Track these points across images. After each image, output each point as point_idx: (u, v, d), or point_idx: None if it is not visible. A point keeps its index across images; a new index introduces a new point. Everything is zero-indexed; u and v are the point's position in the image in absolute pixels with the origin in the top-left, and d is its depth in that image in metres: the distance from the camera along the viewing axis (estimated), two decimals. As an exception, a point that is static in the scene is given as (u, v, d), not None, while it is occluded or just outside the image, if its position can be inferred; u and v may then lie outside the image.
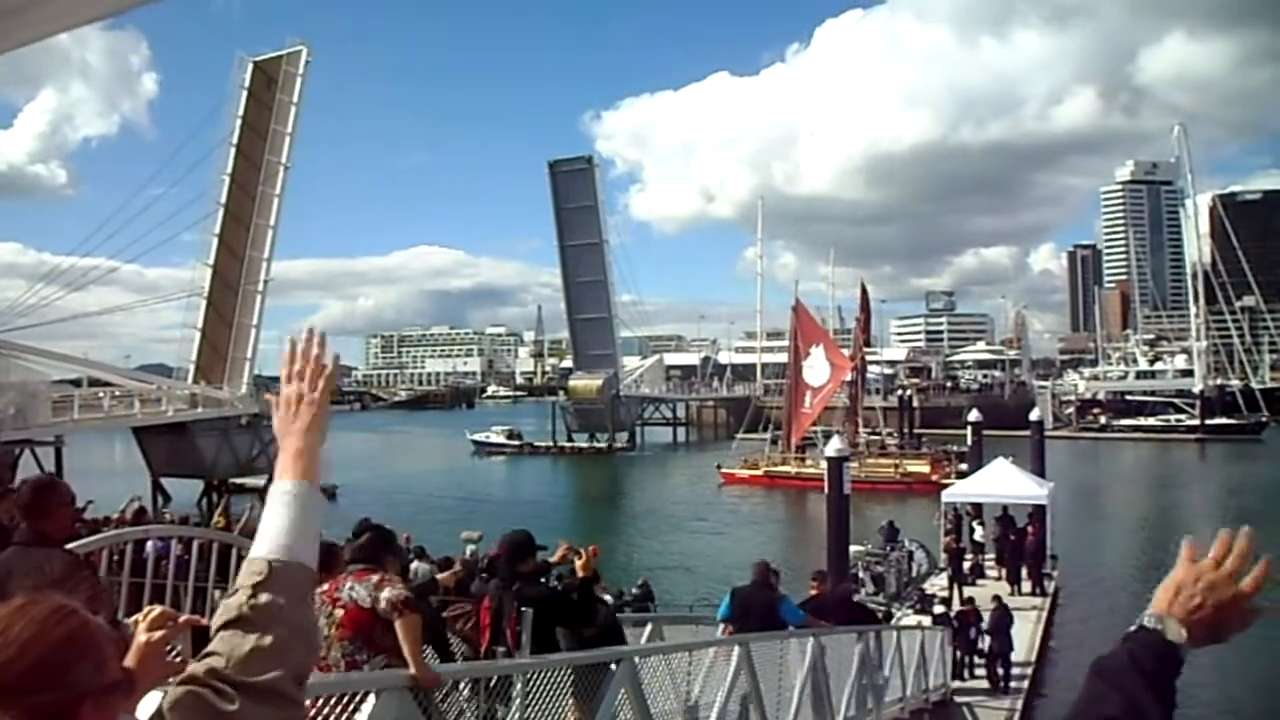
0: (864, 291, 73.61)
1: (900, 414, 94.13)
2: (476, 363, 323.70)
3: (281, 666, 1.68)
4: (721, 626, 12.15)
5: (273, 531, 1.86)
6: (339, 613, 5.39)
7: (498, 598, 7.48)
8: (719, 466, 70.92)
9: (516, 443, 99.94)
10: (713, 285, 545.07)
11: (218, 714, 1.62)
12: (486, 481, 78.25)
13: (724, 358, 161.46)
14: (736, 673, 9.42)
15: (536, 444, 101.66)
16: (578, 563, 7.96)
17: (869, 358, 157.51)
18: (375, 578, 5.54)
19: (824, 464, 61.94)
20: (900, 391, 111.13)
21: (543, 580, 7.76)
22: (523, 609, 7.19)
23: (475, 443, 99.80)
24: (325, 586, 5.50)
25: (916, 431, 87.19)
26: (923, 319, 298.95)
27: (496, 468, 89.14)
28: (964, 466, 61.23)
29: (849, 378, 68.73)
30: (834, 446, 30.07)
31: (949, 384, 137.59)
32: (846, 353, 71.14)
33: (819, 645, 12.00)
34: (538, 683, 6.14)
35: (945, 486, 58.06)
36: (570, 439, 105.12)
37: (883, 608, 24.47)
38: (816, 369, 67.43)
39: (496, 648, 7.22)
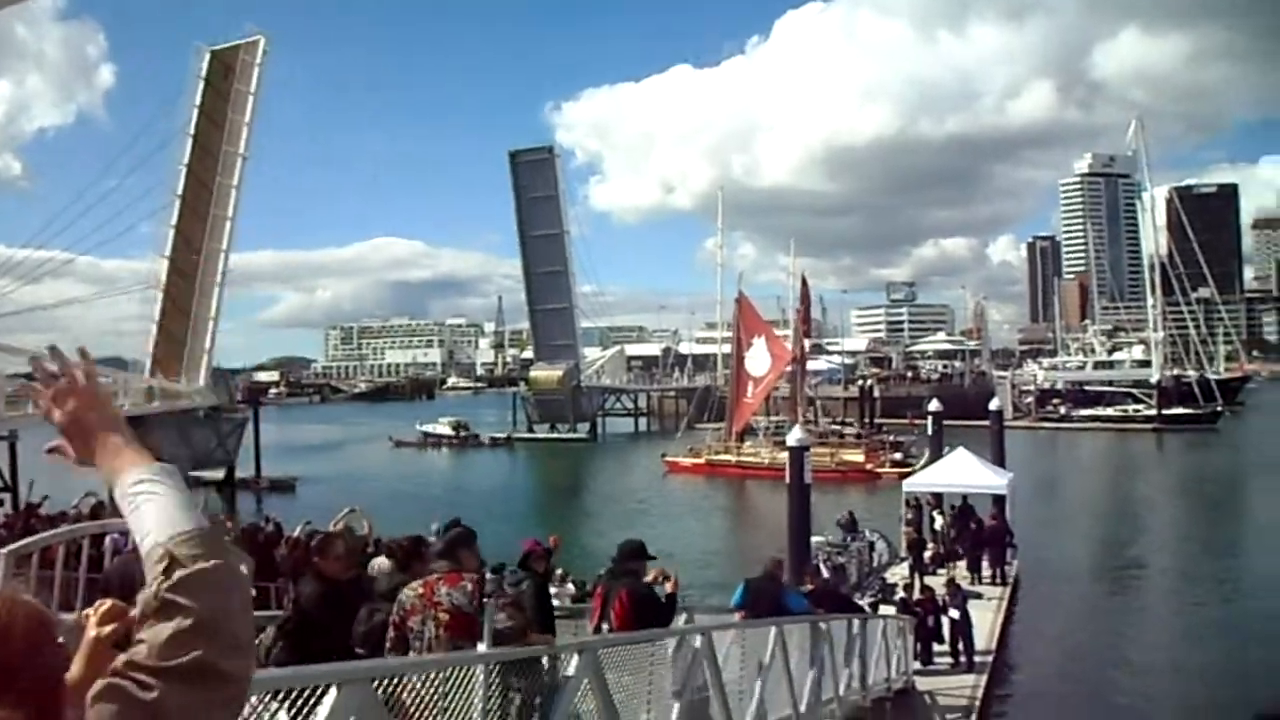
0: (804, 283, 74.94)
1: (861, 404, 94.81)
2: (437, 354, 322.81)
3: (207, 642, 1.59)
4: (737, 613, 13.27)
5: (153, 519, 1.75)
6: (444, 616, 5.92)
7: (607, 587, 9.34)
8: (664, 455, 72.13)
9: (462, 434, 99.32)
10: (673, 276, 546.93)
11: (137, 703, 1.54)
12: (443, 473, 78.37)
13: (685, 348, 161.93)
14: (694, 661, 9.50)
15: (484, 436, 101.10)
16: (667, 586, 9.86)
17: (830, 348, 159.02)
18: (469, 585, 6.16)
19: (764, 453, 64.01)
20: (861, 381, 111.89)
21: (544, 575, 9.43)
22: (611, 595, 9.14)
23: (424, 434, 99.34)
24: (421, 589, 6.07)
25: (877, 421, 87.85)
26: (883, 309, 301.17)
27: (442, 460, 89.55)
28: (898, 455, 63.16)
29: (790, 368, 69.95)
30: (795, 436, 30.16)
31: (910, 374, 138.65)
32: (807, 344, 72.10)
33: (807, 631, 12.85)
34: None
35: (880, 476, 60.36)
36: (531, 430, 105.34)
37: (870, 600, 24.64)
38: (758, 359, 69.03)
39: (602, 624, 9.08)
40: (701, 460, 69.67)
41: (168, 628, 1.60)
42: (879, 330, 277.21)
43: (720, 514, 56.26)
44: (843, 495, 50.85)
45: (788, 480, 28.49)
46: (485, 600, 7.34)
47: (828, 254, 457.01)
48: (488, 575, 9.79)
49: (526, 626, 6.61)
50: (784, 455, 53.34)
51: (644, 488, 64.15)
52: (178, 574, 1.65)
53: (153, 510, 1.76)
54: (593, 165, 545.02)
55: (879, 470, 61.88)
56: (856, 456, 64.95)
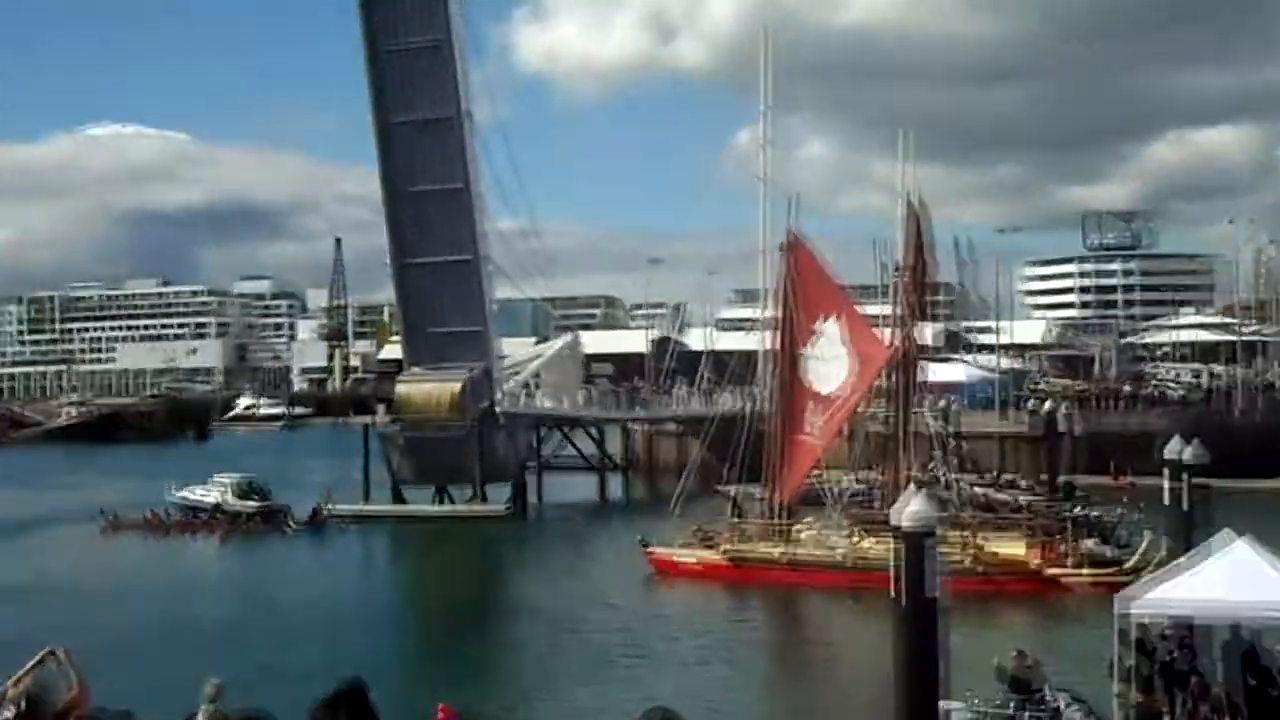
0: (913, 211, 71.86)
1: (1046, 446, 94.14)
2: (215, 351, 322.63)
3: None
4: None
5: None
6: None
7: None
8: (644, 543, 71.34)
9: (255, 506, 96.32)
10: (675, 201, 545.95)
11: None
12: (215, 583, 77.78)
13: (696, 339, 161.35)
14: None
15: (300, 510, 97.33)
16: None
17: (978, 338, 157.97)
18: None
19: (838, 540, 63.85)
20: (1037, 403, 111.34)
21: None
22: None
23: (184, 508, 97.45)
24: None
25: (1066, 479, 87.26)
26: (1078, 266, 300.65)
27: (212, 556, 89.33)
28: (1094, 543, 62.94)
29: (886, 380, 69.20)
30: (911, 509, 29.60)
31: (1133, 389, 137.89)
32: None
33: None
34: None
35: (1065, 585, 60.08)
36: (399, 497, 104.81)
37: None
38: (827, 362, 68.52)
39: None
40: (718, 555, 69.06)
41: None
42: (1072, 306, 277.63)
43: (763, 654, 55.81)
44: (995, 621, 51.14)
45: (893, 593, 28.13)
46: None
47: (972, 158, 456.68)
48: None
49: None
50: (880, 547, 52.87)
51: (617, 607, 63.78)
52: None
53: None
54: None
55: (1062, 575, 61.27)
56: (1016, 548, 64.03)
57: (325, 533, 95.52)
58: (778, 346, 72.81)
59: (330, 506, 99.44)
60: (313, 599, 70.49)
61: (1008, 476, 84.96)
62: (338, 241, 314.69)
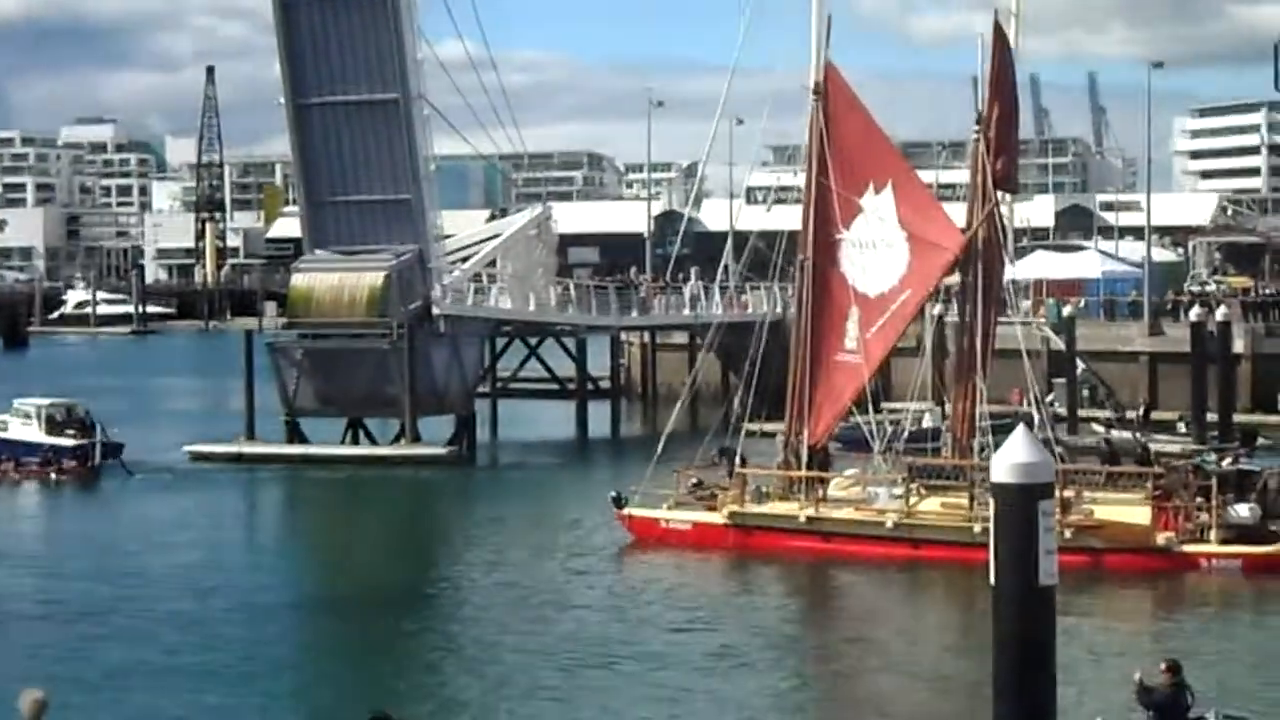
0: (1000, 33, 70.62)
1: (1197, 370, 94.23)
2: (34, 224, 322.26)
3: None
4: None
5: None
6: None
7: None
8: (617, 501, 70.95)
9: (78, 444, 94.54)
10: (688, 21, 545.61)
11: None
12: (41, 552, 77.76)
13: (717, 213, 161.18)
14: None
15: (130, 452, 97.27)
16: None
17: (1118, 216, 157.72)
18: None
19: (887, 497, 64.04)
20: (1205, 311, 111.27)
21: None
22: None
23: None
24: None
25: (1241, 422, 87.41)
26: (1265, 117, 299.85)
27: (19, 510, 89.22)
28: (1244, 513, 61.84)
29: (952, 279, 68.67)
30: (1021, 457, 28.37)
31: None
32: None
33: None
34: None
35: (1201, 562, 60.60)
36: (294, 431, 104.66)
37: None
38: (875, 251, 68.37)
39: None
40: (718, 517, 68.89)
41: None
42: (1254, 174, 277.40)
43: (773, 664, 54.03)
44: (1113, 609, 52.81)
45: (992, 579, 27.40)
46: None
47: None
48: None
49: None
50: (940, 509, 53.70)
51: (585, 582, 64.17)
52: None
53: None
54: None
55: (1202, 553, 61.40)
56: (1133, 516, 63.41)
57: (198, 482, 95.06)
58: (805, 224, 71.17)
59: (114, 440, 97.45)
60: (175, 575, 70.40)
61: (1162, 415, 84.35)
62: (210, 71, 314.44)
